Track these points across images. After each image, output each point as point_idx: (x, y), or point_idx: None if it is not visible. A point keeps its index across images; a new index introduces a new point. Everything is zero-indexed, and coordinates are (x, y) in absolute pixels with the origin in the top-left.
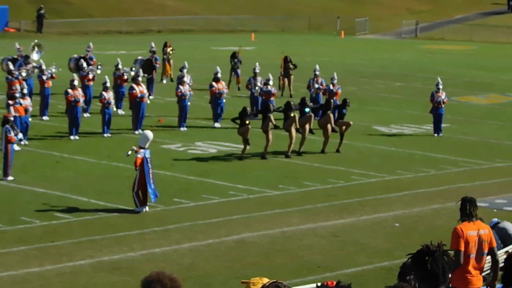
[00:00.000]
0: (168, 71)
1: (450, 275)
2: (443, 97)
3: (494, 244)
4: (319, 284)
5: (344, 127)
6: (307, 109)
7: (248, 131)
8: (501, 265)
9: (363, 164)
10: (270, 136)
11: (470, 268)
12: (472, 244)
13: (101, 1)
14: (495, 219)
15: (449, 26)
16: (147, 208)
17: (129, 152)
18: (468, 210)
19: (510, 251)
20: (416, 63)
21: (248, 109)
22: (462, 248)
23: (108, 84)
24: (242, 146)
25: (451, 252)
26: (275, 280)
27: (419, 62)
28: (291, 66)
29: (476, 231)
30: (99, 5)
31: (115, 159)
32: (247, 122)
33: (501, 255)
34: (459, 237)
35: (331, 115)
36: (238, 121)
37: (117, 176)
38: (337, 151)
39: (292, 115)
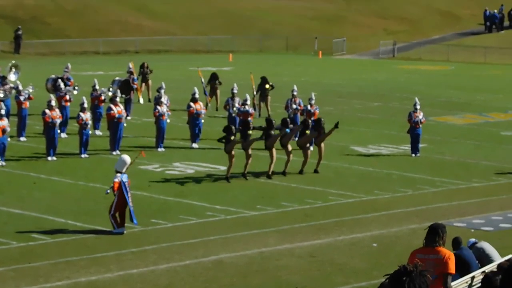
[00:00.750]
0: (139, 92)
1: None
2: (420, 117)
3: (447, 270)
4: None
5: (322, 146)
6: (287, 130)
7: (234, 146)
8: (478, 285)
9: (340, 184)
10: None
11: None
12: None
13: (78, 22)
14: (473, 239)
15: (426, 46)
16: (124, 229)
17: (108, 191)
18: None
19: (486, 271)
20: (393, 83)
21: (233, 127)
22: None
23: (85, 105)
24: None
25: (428, 272)
26: None
27: (396, 82)
28: (267, 87)
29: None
30: (76, 26)
31: (92, 180)
32: (232, 138)
33: (478, 275)
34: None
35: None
36: (223, 140)
37: (94, 197)
38: (315, 171)
39: (273, 132)
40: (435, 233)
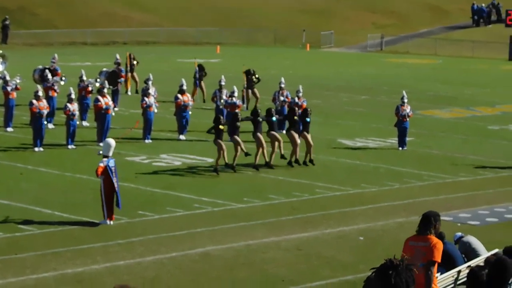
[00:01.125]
0: (128, 83)
1: None
2: (408, 110)
3: (432, 258)
4: None
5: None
6: (274, 118)
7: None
8: (464, 279)
9: (327, 178)
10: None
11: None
12: (410, 253)
13: (66, 13)
14: (459, 233)
15: (414, 40)
16: (111, 222)
17: (100, 151)
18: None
19: (472, 265)
20: (381, 76)
21: (221, 117)
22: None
23: (73, 96)
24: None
25: (414, 267)
26: None
27: (384, 75)
28: (254, 79)
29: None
30: (64, 17)
31: (80, 171)
32: (221, 127)
33: (465, 269)
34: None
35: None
36: (213, 131)
37: (81, 188)
38: (305, 163)
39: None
40: (426, 221)
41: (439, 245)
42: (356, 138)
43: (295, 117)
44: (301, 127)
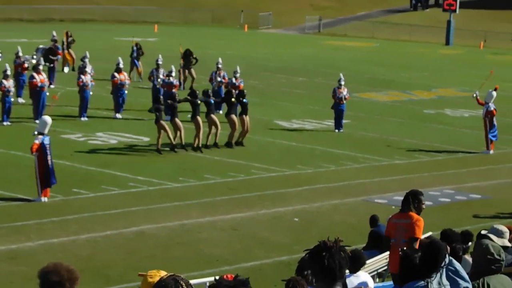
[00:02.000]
0: (68, 60)
1: (347, 271)
2: (344, 93)
3: (414, 235)
4: (217, 277)
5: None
6: (211, 100)
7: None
8: None
9: (263, 158)
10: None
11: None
12: (393, 230)
13: None
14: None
15: (352, 22)
16: (46, 199)
17: (35, 132)
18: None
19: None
20: (318, 58)
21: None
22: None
23: (8, 72)
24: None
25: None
26: (172, 274)
27: (321, 58)
28: (192, 59)
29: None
30: None
31: (15, 147)
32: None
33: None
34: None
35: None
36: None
37: (16, 164)
38: (237, 143)
39: (198, 103)
40: (406, 200)
41: (419, 222)
42: (292, 119)
43: (233, 99)
44: (239, 109)
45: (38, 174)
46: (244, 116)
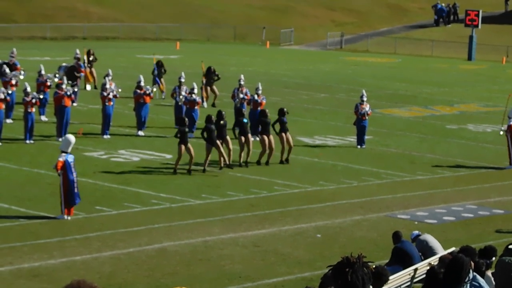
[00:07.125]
0: (89, 78)
1: (370, 287)
2: (367, 109)
3: None
4: None
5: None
6: (245, 120)
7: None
8: (421, 277)
9: (285, 175)
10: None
11: None
12: None
13: (25, 7)
14: (416, 232)
15: (374, 38)
16: (69, 217)
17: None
18: None
19: (432, 263)
20: (340, 74)
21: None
22: None
23: (28, 89)
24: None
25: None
26: None
27: (343, 73)
28: (214, 76)
29: None
30: (23, 11)
31: (37, 165)
32: (186, 130)
33: (423, 267)
34: None
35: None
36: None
37: (39, 182)
38: (286, 161)
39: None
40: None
41: None
42: (315, 136)
43: (266, 119)
44: (277, 127)
45: (62, 192)
46: (283, 134)
